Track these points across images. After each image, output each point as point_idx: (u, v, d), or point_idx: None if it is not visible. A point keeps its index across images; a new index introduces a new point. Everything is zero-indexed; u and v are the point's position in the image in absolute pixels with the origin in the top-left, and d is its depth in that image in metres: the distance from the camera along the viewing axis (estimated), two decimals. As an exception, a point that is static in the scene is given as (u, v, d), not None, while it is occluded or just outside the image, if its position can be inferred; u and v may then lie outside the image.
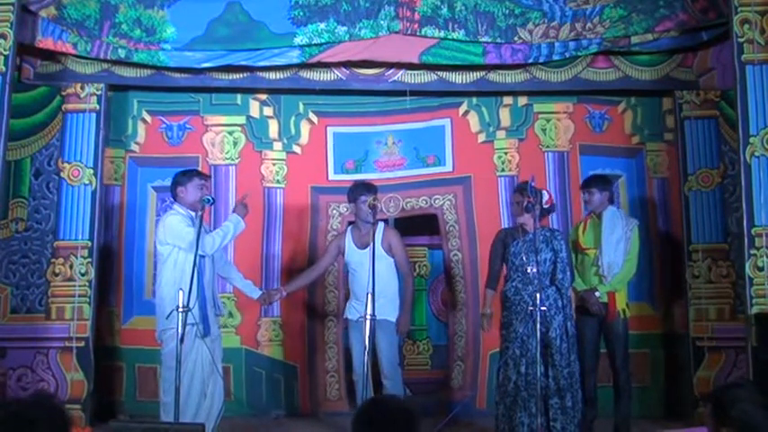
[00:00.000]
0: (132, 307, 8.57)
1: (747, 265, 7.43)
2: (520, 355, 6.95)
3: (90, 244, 8.14)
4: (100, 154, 8.30)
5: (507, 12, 8.17)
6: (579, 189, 7.98)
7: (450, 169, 8.84)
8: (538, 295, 6.68)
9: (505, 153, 8.81)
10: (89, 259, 8.11)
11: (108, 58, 8.18)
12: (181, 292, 6.31)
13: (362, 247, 7.51)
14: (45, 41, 8.10)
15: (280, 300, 8.12)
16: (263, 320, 8.64)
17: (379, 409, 3.68)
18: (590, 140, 8.83)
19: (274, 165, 8.84)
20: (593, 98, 8.82)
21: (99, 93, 8.35)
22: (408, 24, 8.18)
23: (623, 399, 7.42)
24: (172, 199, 7.23)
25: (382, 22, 8.16)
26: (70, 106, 8.34)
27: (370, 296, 6.73)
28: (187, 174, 7.15)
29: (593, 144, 8.84)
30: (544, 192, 7.25)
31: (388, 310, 7.34)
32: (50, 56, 8.31)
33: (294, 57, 8.25)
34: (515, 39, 8.20)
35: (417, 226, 9.13)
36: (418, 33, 8.18)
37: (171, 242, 6.85)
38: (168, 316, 6.45)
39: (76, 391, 7.93)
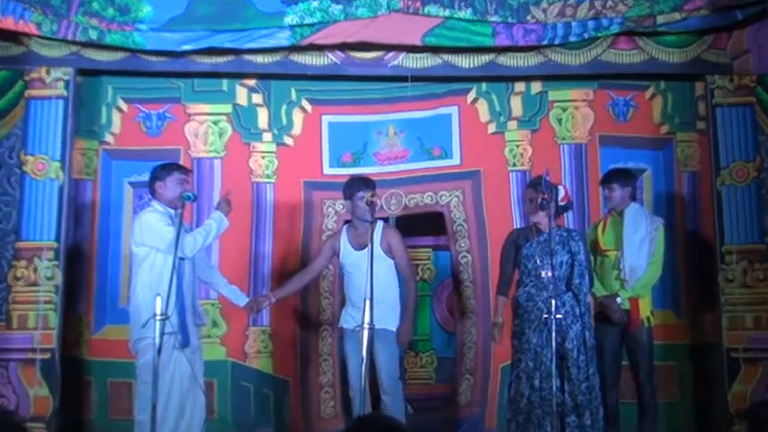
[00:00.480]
0: (105, 315, 8.49)
1: (787, 268, 7.41)
2: (533, 368, 6.94)
3: (57, 245, 8.08)
4: (68, 146, 8.23)
5: (519, -12, 8.16)
6: (598, 185, 8.00)
7: (458, 162, 8.80)
8: (553, 302, 6.65)
9: (517, 146, 8.77)
10: (56, 262, 8.05)
11: (77, 39, 8.11)
12: (158, 299, 6.26)
13: (359, 247, 7.50)
14: (5, 21, 8.01)
15: (269, 307, 8.07)
16: (250, 330, 8.58)
17: (368, 428, 3.64)
18: (612, 131, 8.78)
19: (264, 158, 8.80)
20: (617, 83, 8.77)
21: (67, 78, 8.27)
22: (410, 2, 8.11)
23: (648, 416, 7.43)
24: (150, 195, 7.20)
25: (381, -1, 8.13)
26: (34, 92, 8.27)
27: (367, 302, 6.66)
28: (166, 167, 7.12)
29: (616, 135, 8.78)
30: (560, 187, 7.24)
31: (388, 317, 7.31)
32: (11, 37, 8.23)
33: (284, 38, 8.20)
34: (528, 18, 8.14)
35: (421, 225, 9.13)
36: (421, 12, 8.12)
37: (148, 243, 6.83)
38: (145, 324, 6.39)
39: (40, 408, 7.86)
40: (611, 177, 7.67)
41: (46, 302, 8.00)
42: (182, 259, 6.73)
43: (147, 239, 6.81)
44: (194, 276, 7.07)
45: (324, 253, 7.85)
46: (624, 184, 7.59)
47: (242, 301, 7.57)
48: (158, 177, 7.03)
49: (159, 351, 6.22)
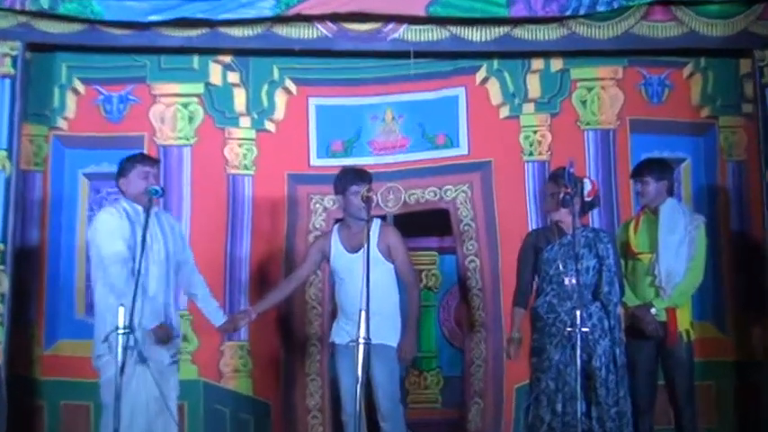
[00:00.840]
0: (57, 327, 8.43)
1: None
2: (555, 389, 6.92)
3: (2, 247, 8.04)
4: (16, 132, 8.20)
5: (538, -50, 8.20)
6: (630, 177, 7.99)
7: (466, 152, 8.80)
8: (578, 313, 6.53)
9: (534, 132, 8.77)
10: (1, 267, 8.03)
11: (26, 8, 8.09)
12: (121, 309, 6.21)
13: (353, 250, 7.47)
14: (-60, -13, 8.05)
15: (248, 324, 8.00)
16: (226, 345, 8.56)
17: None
18: (644, 114, 8.80)
19: (241, 146, 8.77)
20: (651, 60, 8.78)
21: (15, 53, 8.24)
22: (412, -35, 8.14)
23: (687, 443, 7.36)
24: (118, 192, 7.16)
25: (378, -39, 8.13)
26: (-24, 70, 8.29)
27: (363, 314, 6.52)
28: (130, 160, 7.11)
29: (649, 119, 8.81)
30: (586, 180, 7.19)
31: (387, 331, 7.29)
32: (-52, 7, 8.26)
33: (266, 8, 8.21)
34: (549, -16, 8.19)
35: (424, 224, 9.18)
36: (425, -24, 8.15)
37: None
38: (105, 339, 6.38)
39: (-18, 436, 7.85)
40: (644, 169, 7.63)
41: (-10, 313, 8.02)
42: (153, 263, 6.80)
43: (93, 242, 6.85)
44: (169, 281, 7.06)
45: (311, 256, 7.77)
46: (659, 176, 7.53)
47: (218, 320, 7.49)
48: (121, 173, 7.03)
49: (122, 369, 6.15)
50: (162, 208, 8.17)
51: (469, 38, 8.44)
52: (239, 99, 8.79)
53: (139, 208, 6.90)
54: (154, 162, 7.23)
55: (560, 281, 7.07)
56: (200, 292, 7.44)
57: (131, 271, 6.59)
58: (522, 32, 8.44)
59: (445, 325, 9.26)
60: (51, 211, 8.56)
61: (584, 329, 6.56)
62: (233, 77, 8.78)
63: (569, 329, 6.65)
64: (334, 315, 7.97)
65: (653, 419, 7.43)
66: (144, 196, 6.83)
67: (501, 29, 8.43)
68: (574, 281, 6.90)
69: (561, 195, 6.96)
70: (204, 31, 8.39)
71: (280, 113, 8.81)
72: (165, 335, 6.89)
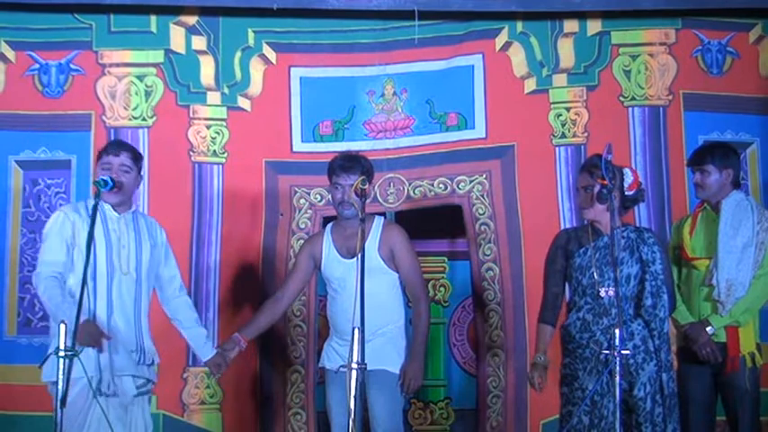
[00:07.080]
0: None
1: None
2: (589, 425, 6.89)
3: None
4: (-69, 110, 8.25)
5: None
6: (686, 166, 7.98)
7: (483, 135, 8.92)
8: (617, 331, 6.21)
9: (567, 109, 8.87)
10: None
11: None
12: (62, 327, 6.05)
13: (349, 255, 7.44)
14: None
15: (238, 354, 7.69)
16: (190, 372, 8.67)
17: None
18: (702, 88, 8.89)
19: (209, 127, 8.86)
20: (709, 21, 8.83)
21: (-71, 14, 8.32)
22: None
23: (752, 492, 7.37)
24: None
25: None
26: None
27: (358, 333, 6.41)
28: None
29: (708, 94, 8.90)
30: (626, 170, 7.15)
31: (388, 354, 7.33)
32: None
33: (239, -44, 8.22)
34: (583, -70, 8.20)
35: (432, 224, 9.22)
36: None
37: None
38: (43, 363, 6.40)
39: None
40: (704, 155, 7.56)
41: None
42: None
43: None
44: (140, 294, 6.98)
45: (302, 264, 7.74)
46: (723, 164, 7.45)
47: (206, 353, 7.42)
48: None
49: (63, 401, 5.96)
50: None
51: (487, -6, 8.43)
52: (206, 70, 8.85)
53: (108, 206, 6.89)
54: (110, 150, 7.05)
55: (596, 293, 6.95)
56: (183, 317, 7.34)
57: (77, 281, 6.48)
58: (551, -14, 8.43)
59: (456, 347, 9.16)
60: (-26, 207, 8.43)
61: (623, 352, 6.18)
62: (199, 43, 8.84)
63: (606, 352, 6.38)
64: (322, 335, 7.96)
65: (709, 462, 7.46)
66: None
67: (526, -19, 8.42)
68: (612, 292, 6.80)
69: (597, 189, 6.83)
70: (164, -17, 8.36)
71: (256, 87, 8.88)
72: (89, 335, 6.48)
